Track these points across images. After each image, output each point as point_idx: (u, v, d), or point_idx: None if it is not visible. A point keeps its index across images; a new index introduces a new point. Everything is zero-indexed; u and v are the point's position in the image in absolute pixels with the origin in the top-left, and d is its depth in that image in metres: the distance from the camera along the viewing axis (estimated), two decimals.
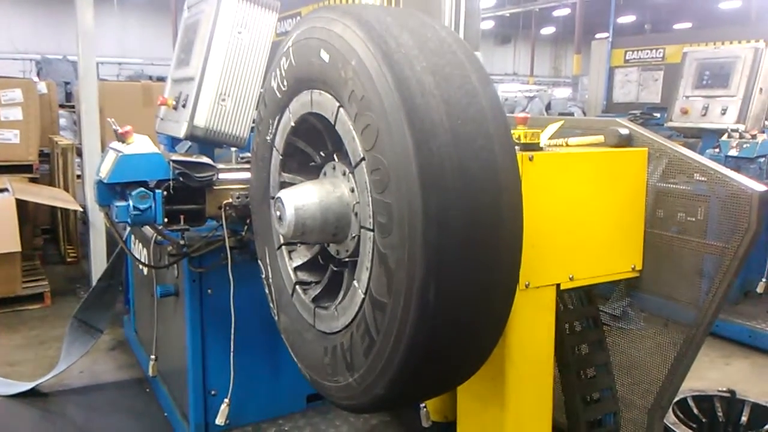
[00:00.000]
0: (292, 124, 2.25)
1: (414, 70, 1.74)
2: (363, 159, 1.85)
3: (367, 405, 2.12)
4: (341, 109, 1.94)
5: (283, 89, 2.23)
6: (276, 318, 2.58)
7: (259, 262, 2.64)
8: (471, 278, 1.81)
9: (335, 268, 2.32)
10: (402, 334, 1.82)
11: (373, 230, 1.87)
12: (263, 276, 2.63)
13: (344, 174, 2.09)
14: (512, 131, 2.02)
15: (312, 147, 2.33)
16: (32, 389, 3.87)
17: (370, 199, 1.85)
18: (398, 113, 1.69)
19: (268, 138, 2.39)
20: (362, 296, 2.00)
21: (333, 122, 1.99)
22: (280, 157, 2.36)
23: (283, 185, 2.35)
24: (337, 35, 1.89)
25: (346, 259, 2.21)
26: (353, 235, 2.07)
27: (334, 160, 2.19)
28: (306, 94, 2.12)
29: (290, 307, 2.45)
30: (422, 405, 2.91)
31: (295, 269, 2.41)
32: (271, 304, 2.60)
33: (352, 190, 2.02)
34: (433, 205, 1.68)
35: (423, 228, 1.68)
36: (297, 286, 2.38)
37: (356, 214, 2.02)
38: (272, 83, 2.30)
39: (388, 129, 1.73)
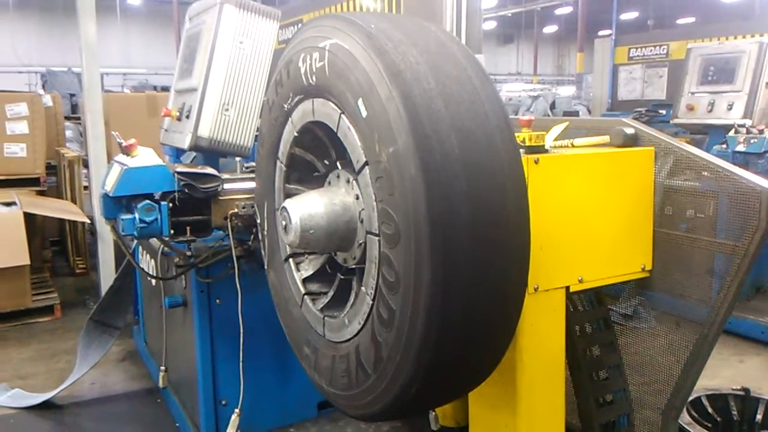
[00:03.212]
0: (313, 119, 2.13)
1: (453, 191, 1.63)
2: (378, 236, 1.80)
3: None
4: (367, 169, 1.83)
5: (312, 83, 2.05)
6: (265, 268, 2.58)
7: (256, 207, 2.61)
8: (468, 358, 1.86)
9: (329, 270, 2.33)
10: (380, 401, 1.88)
11: (373, 301, 1.88)
12: (258, 221, 2.61)
13: (357, 198, 2.01)
14: (517, 135, 2.01)
15: (330, 142, 2.24)
16: (45, 401, 3.88)
17: (376, 287, 1.85)
18: (425, 242, 1.62)
19: (285, 106, 2.27)
20: (350, 338, 2.03)
21: (356, 171, 1.90)
22: (295, 134, 2.26)
23: (293, 157, 2.32)
24: (379, 99, 1.72)
25: (343, 275, 2.23)
26: (354, 256, 2.08)
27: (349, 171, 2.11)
28: (335, 112, 1.97)
29: (281, 272, 2.43)
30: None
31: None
32: (263, 252, 2.58)
33: (362, 222, 1.98)
34: (435, 325, 1.67)
35: (419, 349, 1.70)
36: (291, 259, 2.38)
37: (361, 245, 2.01)
38: (300, 64, 2.11)
39: (408, 246, 1.66)
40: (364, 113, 1.78)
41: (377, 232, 1.80)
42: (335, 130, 1.98)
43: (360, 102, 1.79)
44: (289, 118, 2.27)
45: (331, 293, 2.28)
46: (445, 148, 1.64)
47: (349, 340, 2.05)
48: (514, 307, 1.86)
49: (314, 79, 2.03)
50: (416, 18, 2.03)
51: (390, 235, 1.73)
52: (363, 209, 1.93)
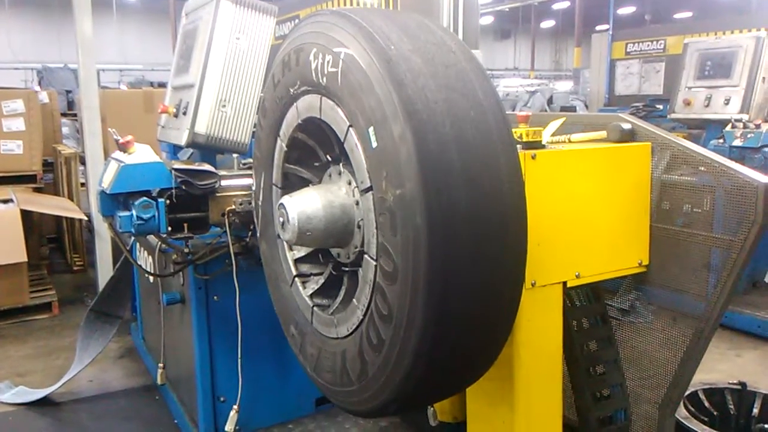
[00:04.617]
0: (320, 117, 2.04)
1: (456, 245, 1.62)
2: (376, 262, 1.79)
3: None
4: (371, 195, 1.78)
5: (322, 82, 1.95)
6: (257, 237, 2.59)
7: (253, 173, 2.56)
8: (456, 379, 1.92)
9: (321, 259, 2.33)
10: (363, 405, 1.91)
11: (364, 317, 1.89)
12: (253, 189, 2.58)
13: (357, 204, 1.98)
14: (514, 130, 2.01)
15: (335, 141, 2.14)
16: (44, 398, 3.88)
17: (367, 308, 1.86)
18: (422, 292, 1.61)
19: (291, 90, 2.16)
20: (338, 338, 2.04)
21: (360, 190, 1.86)
22: (299, 121, 2.18)
23: (295, 139, 2.26)
24: (392, 135, 1.64)
25: (335, 270, 2.23)
26: (348, 256, 2.08)
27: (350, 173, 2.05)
28: (343, 122, 1.88)
29: (273, 245, 2.42)
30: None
31: None
32: (256, 221, 2.57)
33: (359, 227, 1.97)
34: (424, 360, 1.70)
35: (405, 376, 1.72)
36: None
37: (357, 250, 2.00)
38: (311, 57, 1.98)
39: (405, 289, 1.66)
40: (373, 143, 1.71)
41: (375, 258, 1.79)
42: (342, 140, 1.92)
43: (371, 131, 1.72)
44: (295, 104, 2.18)
45: (321, 280, 2.29)
46: (453, 199, 1.60)
47: (336, 339, 2.06)
48: (505, 332, 1.88)
49: (325, 80, 1.93)
50: (439, 33, 1.87)
51: (388, 272, 1.72)
52: (362, 219, 1.91)
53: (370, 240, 1.81)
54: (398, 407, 1.86)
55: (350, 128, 1.84)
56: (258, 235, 2.58)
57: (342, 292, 2.16)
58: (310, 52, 1.99)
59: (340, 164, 2.11)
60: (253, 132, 2.64)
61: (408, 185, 1.60)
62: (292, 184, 2.34)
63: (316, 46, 1.95)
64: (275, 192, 2.38)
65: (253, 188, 2.57)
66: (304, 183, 2.32)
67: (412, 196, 1.59)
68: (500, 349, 1.92)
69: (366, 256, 1.86)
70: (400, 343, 1.70)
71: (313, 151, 2.28)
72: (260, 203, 2.51)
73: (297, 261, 2.35)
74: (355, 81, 1.77)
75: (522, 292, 1.84)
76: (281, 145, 2.32)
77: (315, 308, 2.21)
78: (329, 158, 2.22)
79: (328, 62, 1.89)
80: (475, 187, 1.64)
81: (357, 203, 1.97)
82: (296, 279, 2.31)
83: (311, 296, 2.26)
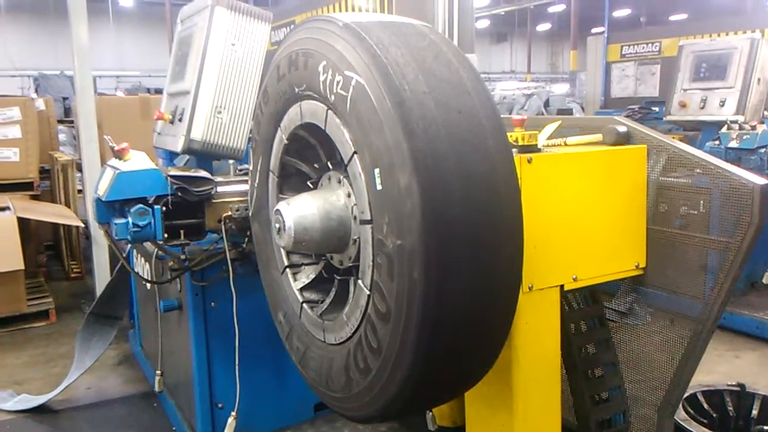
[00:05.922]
0: (324, 129, 1.98)
1: (454, 302, 1.62)
2: (370, 293, 1.79)
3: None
4: (371, 228, 1.74)
5: (330, 99, 1.87)
6: (250, 217, 2.60)
7: (250, 153, 2.53)
8: (446, 396, 1.97)
9: (315, 259, 2.33)
10: (346, 413, 1.95)
11: (353, 335, 1.90)
12: (249, 169, 2.56)
13: (355, 219, 1.96)
14: (510, 134, 2.00)
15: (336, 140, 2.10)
16: (40, 406, 3.87)
17: (356, 330, 1.88)
18: (413, 339, 1.62)
19: (296, 89, 2.07)
20: (326, 343, 2.05)
21: (360, 220, 1.83)
22: (301, 123, 2.13)
23: (296, 135, 2.21)
24: (397, 183, 1.59)
25: (326, 272, 2.25)
26: (341, 262, 2.09)
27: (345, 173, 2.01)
28: (349, 145, 1.81)
29: (266, 230, 2.40)
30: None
31: None
32: (250, 202, 2.57)
33: (355, 242, 1.97)
34: (411, 388, 1.72)
35: (391, 400, 1.74)
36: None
37: (351, 259, 2.01)
38: (320, 69, 1.88)
39: (396, 331, 1.66)
40: (378, 186, 1.66)
41: (369, 289, 1.78)
42: (345, 162, 1.85)
43: (376, 172, 1.66)
44: (299, 103, 2.10)
45: (312, 275, 2.29)
46: (454, 258, 1.58)
47: (323, 342, 2.06)
48: (496, 354, 1.89)
49: (333, 98, 1.85)
50: (455, 65, 1.77)
51: (381, 312, 1.71)
52: (359, 237, 1.88)
53: (365, 269, 1.79)
54: (384, 420, 1.89)
55: (355, 155, 1.78)
56: (250, 215, 2.58)
57: (332, 294, 2.16)
58: (319, 62, 1.89)
59: (341, 175, 2.06)
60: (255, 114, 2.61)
61: (409, 238, 1.57)
62: (289, 174, 2.34)
63: (326, 59, 1.86)
64: (272, 179, 2.36)
65: (250, 168, 2.55)
66: (302, 176, 2.31)
67: (413, 250, 1.56)
68: (492, 364, 1.93)
69: (360, 282, 1.84)
70: (387, 374, 1.71)
71: (314, 149, 2.24)
72: (255, 186, 2.49)
73: (290, 252, 2.34)
74: (364, 115, 1.69)
75: (512, 325, 1.86)
76: (281, 136, 2.27)
77: (304, 305, 2.21)
78: (330, 164, 2.17)
79: (338, 83, 1.80)
80: (478, 247, 1.62)
81: (355, 218, 1.95)
82: (288, 270, 2.31)
83: (301, 290, 2.26)
